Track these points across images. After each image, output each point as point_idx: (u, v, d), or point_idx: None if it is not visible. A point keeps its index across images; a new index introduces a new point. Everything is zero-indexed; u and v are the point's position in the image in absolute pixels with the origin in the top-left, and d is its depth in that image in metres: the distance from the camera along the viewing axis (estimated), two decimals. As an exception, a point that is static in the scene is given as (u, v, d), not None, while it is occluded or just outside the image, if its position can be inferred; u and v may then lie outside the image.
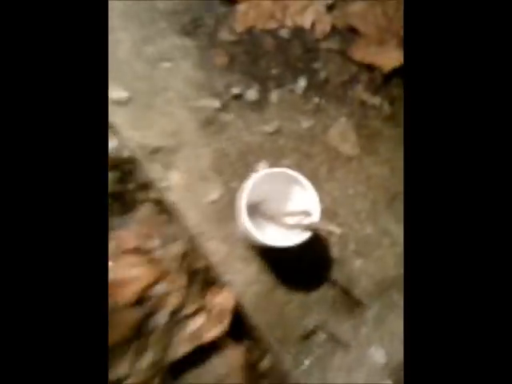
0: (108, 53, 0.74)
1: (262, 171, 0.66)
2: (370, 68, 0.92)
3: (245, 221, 0.64)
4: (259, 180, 0.66)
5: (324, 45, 0.91)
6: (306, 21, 0.90)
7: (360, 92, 0.90)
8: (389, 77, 0.92)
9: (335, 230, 0.57)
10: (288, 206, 0.72)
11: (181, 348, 0.73)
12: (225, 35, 0.85)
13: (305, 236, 0.65)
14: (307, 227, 0.64)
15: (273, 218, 0.72)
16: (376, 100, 0.91)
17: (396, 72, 0.92)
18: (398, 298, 0.82)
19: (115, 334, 0.69)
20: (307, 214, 0.67)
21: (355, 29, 0.93)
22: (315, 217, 0.65)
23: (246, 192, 0.65)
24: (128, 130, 0.77)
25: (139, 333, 0.72)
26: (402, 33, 0.95)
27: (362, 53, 0.92)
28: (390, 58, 0.92)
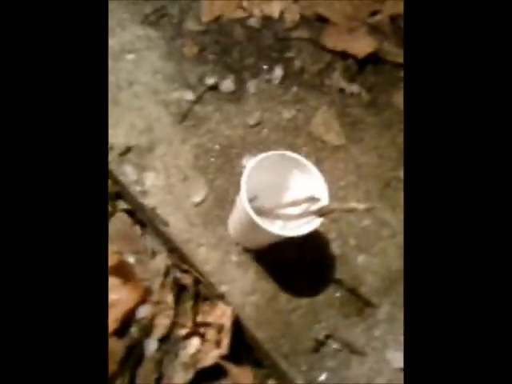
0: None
1: (259, 156, 0.58)
2: (343, 55, 0.87)
3: (250, 212, 0.55)
4: (256, 167, 0.58)
5: (295, 34, 0.86)
6: (274, 10, 0.85)
7: (337, 80, 0.85)
8: (363, 64, 0.88)
9: (359, 206, 0.49)
10: (289, 195, 0.64)
11: (176, 378, 0.61)
12: (191, 25, 0.78)
13: (316, 223, 0.57)
14: (319, 212, 0.56)
15: (271, 212, 0.63)
16: (354, 87, 0.86)
17: (369, 59, 0.89)
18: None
19: (97, 369, 0.57)
20: (313, 199, 0.59)
21: (323, 17, 0.89)
22: (324, 200, 0.57)
23: (245, 180, 0.56)
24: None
25: (126, 366, 0.59)
26: (369, 20, 0.92)
27: (334, 41, 0.88)
28: (362, 45, 0.89)
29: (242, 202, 0.56)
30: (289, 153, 0.60)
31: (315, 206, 0.58)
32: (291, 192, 0.64)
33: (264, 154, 0.59)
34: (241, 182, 0.57)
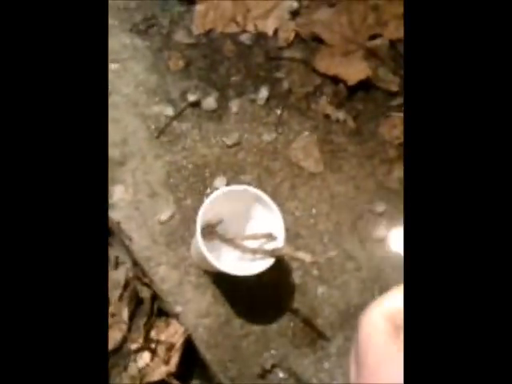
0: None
1: (221, 189, 0.58)
2: (334, 80, 0.86)
3: (199, 244, 0.56)
4: (218, 198, 0.58)
5: (287, 53, 0.85)
6: (268, 27, 0.84)
7: (324, 105, 0.84)
8: (353, 90, 0.87)
9: (305, 257, 0.50)
10: (250, 227, 0.65)
11: (121, 392, 0.63)
12: (181, 37, 0.77)
13: (267, 263, 0.58)
14: (271, 253, 0.57)
15: (232, 241, 0.64)
16: (340, 114, 0.85)
17: (361, 85, 0.88)
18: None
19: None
20: (271, 237, 0.59)
21: (320, 38, 0.88)
22: (279, 241, 0.58)
23: (202, 212, 0.57)
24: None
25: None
26: (367, 44, 0.90)
27: (327, 63, 0.86)
28: (356, 70, 0.87)
29: (196, 234, 0.57)
30: (251, 188, 0.61)
31: (270, 245, 0.59)
32: (253, 225, 0.65)
33: (227, 188, 0.60)
34: (198, 214, 0.57)
